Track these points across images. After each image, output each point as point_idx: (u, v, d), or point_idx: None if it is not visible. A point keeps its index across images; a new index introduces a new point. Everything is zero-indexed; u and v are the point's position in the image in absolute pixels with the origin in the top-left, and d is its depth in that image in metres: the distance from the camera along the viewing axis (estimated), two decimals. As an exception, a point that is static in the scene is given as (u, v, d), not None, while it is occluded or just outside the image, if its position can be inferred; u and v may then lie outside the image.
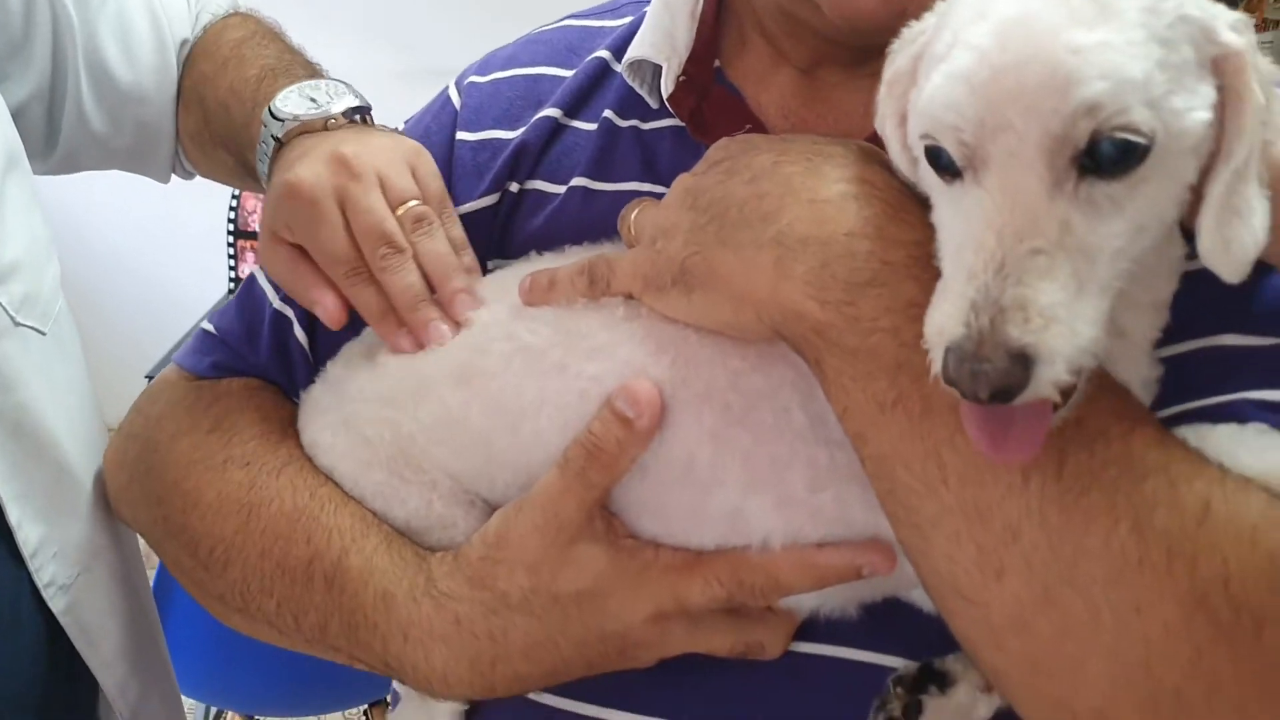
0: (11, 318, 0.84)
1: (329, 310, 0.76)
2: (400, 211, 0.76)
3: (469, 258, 0.78)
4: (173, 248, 2.83)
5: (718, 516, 0.67)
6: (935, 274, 0.54)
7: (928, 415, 0.55)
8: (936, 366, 0.50)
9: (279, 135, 0.83)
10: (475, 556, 0.70)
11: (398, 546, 0.73)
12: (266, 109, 0.85)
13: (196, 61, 1.00)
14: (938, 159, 0.54)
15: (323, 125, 0.83)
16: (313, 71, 0.94)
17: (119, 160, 1.05)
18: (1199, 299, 0.60)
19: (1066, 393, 0.51)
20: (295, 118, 0.83)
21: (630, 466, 0.67)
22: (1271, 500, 0.54)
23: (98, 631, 0.92)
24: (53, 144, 1.00)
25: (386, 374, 0.75)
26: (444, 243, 0.76)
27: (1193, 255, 0.56)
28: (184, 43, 1.02)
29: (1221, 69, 0.52)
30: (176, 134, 1.03)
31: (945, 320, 0.50)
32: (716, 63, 0.80)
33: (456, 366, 0.72)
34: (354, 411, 0.76)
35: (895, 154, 0.59)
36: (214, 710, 1.84)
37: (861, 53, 0.73)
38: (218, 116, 0.95)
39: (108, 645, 0.93)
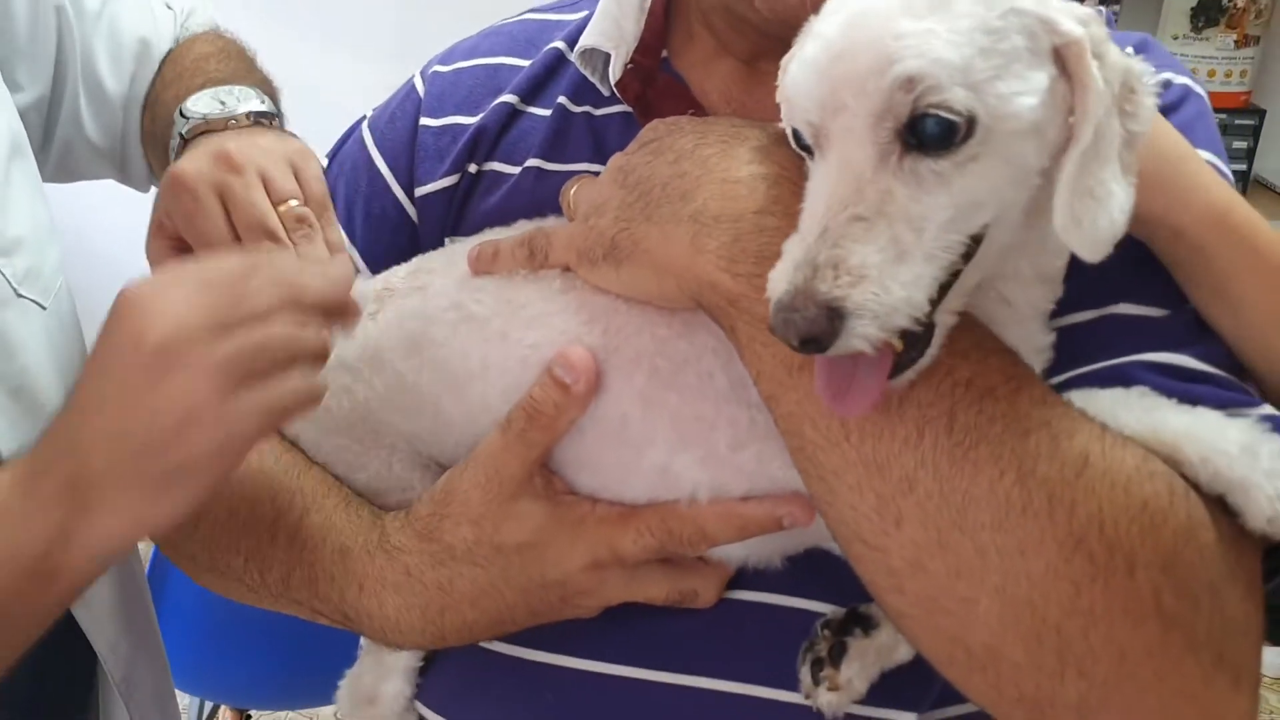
0: (14, 289, 0.87)
1: None
2: (281, 210, 0.79)
3: (343, 263, 0.80)
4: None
5: (649, 472, 0.71)
6: None
7: None
8: (771, 320, 0.54)
9: (184, 133, 0.88)
10: (424, 513, 0.75)
11: (355, 506, 0.78)
12: (178, 109, 0.90)
13: (162, 71, 1.05)
14: (799, 139, 0.59)
15: (224, 125, 0.88)
16: (266, 88, 0.98)
17: (108, 171, 1.09)
18: (1098, 271, 0.64)
19: (911, 353, 0.56)
20: (202, 116, 0.88)
21: (568, 428, 0.71)
22: (1146, 455, 0.58)
23: (91, 592, 0.91)
24: (46, 151, 1.04)
25: (343, 344, 0.80)
26: (322, 247, 0.80)
27: None
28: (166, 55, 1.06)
29: (1064, 57, 0.56)
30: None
31: (775, 278, 0.55)
32: (664, 53, 0.84)
33: (407, 335, 0.77)
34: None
35: (790, 136, 0.63)
36: (208, 705, 1.87)
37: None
38: (162, 120, 0.99)
39: (99, 603, 0.97)
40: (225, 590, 0.84)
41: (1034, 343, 0.65)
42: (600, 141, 0.83)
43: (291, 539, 0.77)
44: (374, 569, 0.75)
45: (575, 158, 0.83)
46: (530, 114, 0.86)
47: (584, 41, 0.83)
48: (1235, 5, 2.54)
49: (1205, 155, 0.69)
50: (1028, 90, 0.54)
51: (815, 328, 0.52)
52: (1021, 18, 0.55)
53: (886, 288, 0.52)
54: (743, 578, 0.74)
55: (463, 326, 0.75)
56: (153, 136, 1.01)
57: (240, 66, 1.02)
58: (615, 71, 0.82)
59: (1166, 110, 0.71)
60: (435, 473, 0.78)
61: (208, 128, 0.87)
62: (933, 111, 0.53)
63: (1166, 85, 0.74)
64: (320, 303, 0.66)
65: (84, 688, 1.01)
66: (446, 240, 0.85)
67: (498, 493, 0.72)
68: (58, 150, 1.04)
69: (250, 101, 0.89)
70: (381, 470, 0.79)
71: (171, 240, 0.82)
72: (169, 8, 1.09)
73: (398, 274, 0.81)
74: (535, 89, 0.87)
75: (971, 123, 0.53)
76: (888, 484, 0.58)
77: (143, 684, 1.03)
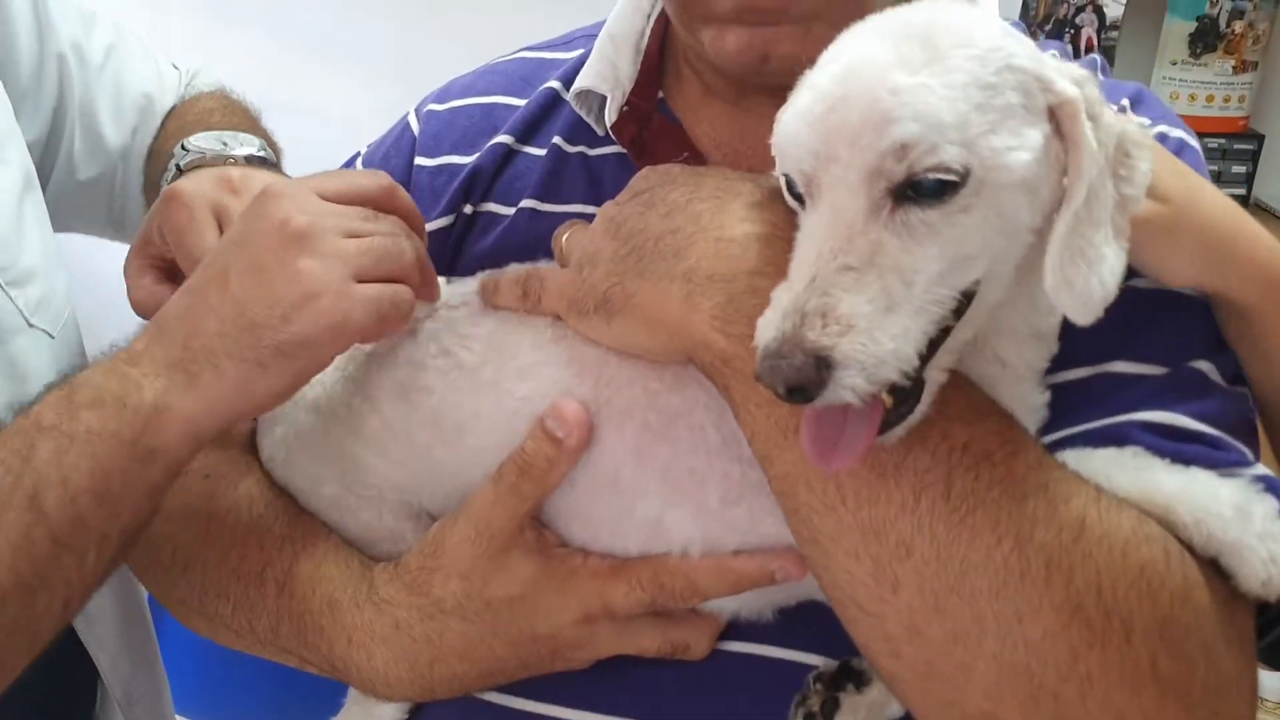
0: (26, 319, 0.88)
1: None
2: None
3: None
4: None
5: (640, 525, 0.70)
6: None
7: None
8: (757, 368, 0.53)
9: (181, 164, 0.88)
10: (414, 565, 0.74)
11: (344, 556, 0.77)
12: (179, 144, 0.90)
13: (166, 124, 1.05)
14: (791, 188, 0.59)
15: (223, 163, 0.88)
16: (253, 134, 0.99)
17: (98, 220, 1.09)
18: (1094, 328, 0.64)
19: (901, 408, 0.55)
20: (201, 152, 0.89)
21: (560, 481, 0.71)
22: (1141, 517, 0.58)
23: (94, 609, 0.95)
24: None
25: (333, 390, 0.79)
26: None
27: None
28: (169, 110, 1.08)
29: (1058, 117, 0.56)
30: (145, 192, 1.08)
31: (763, 326, 0.54)
32: (660, 94, 0.84)
33: (398, 383, 0.76)
34: (304, 426, 0.80)
35: (784, 191, 0.63)
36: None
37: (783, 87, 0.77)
38: (162, 167, 0.99)
39: (102, 620, 0.96)
40: (214, 635, 0.83)
41: (1028, 402, 0.64)
42: (595, 182, 0.83)
43: (280, 588, 0.77)
44: (363, 621, 0.74)
45: (570, 198, 0.83)
46: (525, 154, 0.85)
47: (579, 83, 0.83)
48: (1233, 31, 2.54)
49: None
50: (1022, 146, 0.54)
51: (802, 376, 0.51)
52: (1016, 75, 0.55)
53: (875, 339, 0.52)
54: (734, 629, 0.74)
55: (453, 375, 0.74)
56: (155, 186, 1.01)
57: (244, 122, 1.03)
58: (611, 114, 0.81)
59: None
60: (427, 523, 0.78)
61: (205, 162, 0.88)
62: (929, 176, 0.53)
63: (1162, 139, 0.74)
64: (420, 257, 0.74)
65: (86, 705, 1.01)
66: (440, 281, 0.84)
67: (488, 546, 0.71)
68: (50, 195, 1.04)
69: (251, 146, 0.90)
70: (372, 520, 0.79)
71: (153, 260, 0.82)
72: (175, 67, 1.11)
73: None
74: (530, 129, 0.86)
75: (964, 175, 0.53)
76: (884, 549, 0.57)
77: (143, 703, 1.03)
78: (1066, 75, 0.56)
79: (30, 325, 0.88)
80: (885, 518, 0.57)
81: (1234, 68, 2.56)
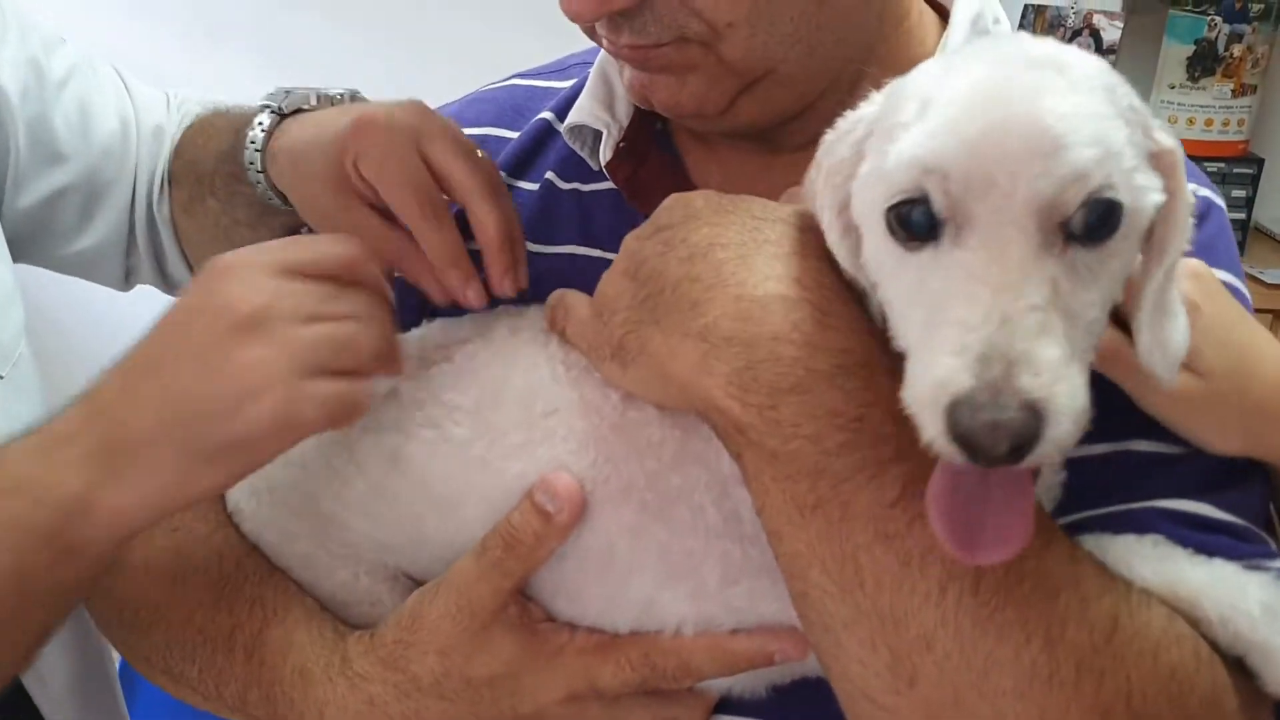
0: None
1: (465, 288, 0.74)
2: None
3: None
4: (145, 303, 2.86)
5: (633, 604, 0.67)
6: (860, 383, 0.54)
7: (847, 520, 0.54)
8: (935, 427, 0.47)
9: (281, 106, 0.81)
10: (390, 639, 0.70)
11: (317, 622, 0.73)
12: (266, 95, 0.84)
13: (191, 140, 1.01)
14: (906, 222, 0.51)
15: (329, 102, 0.83)
16: None
17: (66, 253, 1.04)
18: (1112, 403, 0.60)
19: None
20: (298, 91, 0.83)
21: (547, 557, 0.67)
22: (1171, 616, 0.55)
23: (46, 668, 0.91)
24: None
25: (309, 447, 0.74)
26: (517, 215, 0.76)
27: None
28: (158, 129, 1.03)
29: (1158, 165, 0.51)
30: (153, 226, 1.03)
31: (947, 374, 0.47)
32: (659, 125, 0.80)
33: (387, 451, 0.72)
34: (278, 481, 0.76)
35: (834, 243, 0.58)
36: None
37: (761, 133, 0.75)
38: (204, 163, 0.95)
39: (57, 681, 0.92)
40: (180, 695, 0.79)
41: (1045, 480, 0.61)
42: (588, 221, 0.79)
43: (249, 654, 0.73)
44: (335, 695, 0.70)
45: (562, 239, 0.79)
46: (519, 188, 0.82)
47: (572, 118, 0.79)
48: (1232, 55, 2.53)
49: (1223, 276, 0.66)
50: (1154, 188, 0.50)
51: (1028, 430, 0.45)
52: (1138, 115, 0.51)
53: (1077, 390, 0.46)
54: (726, 703, 0.70)
55: (442, 448, 0.70)
56: (193, 196, 0.98)
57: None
58: (605, 153, 0.78)
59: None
60: (404, 585, 0.74)
61: (308, 105, 0.82)
62: (1104, 197, 0.48)
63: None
64: (386, 340, 0.67)
65: None
66: (423, 321, 0.79)
67: (469, 623, 0.67)
68: (6, 222, 0.99)
69: (345, 92, 0.85)
70: (348, 580, 0.74)
71: (357, 196, 0.75)
72: (164, 93, 1.07)
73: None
74: (523, 163, 0.83)
75: (1123, 213, 0.49)
76: (904, 640, 0.53)
77: None
78: (1156, 123, 0.52)
79: None
80: (908, 608, 0.53)
81: (1233, 91, 2.54)
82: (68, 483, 0.61)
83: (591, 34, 0.71)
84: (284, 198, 0.84)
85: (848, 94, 0.70)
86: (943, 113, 0.50)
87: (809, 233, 0.60)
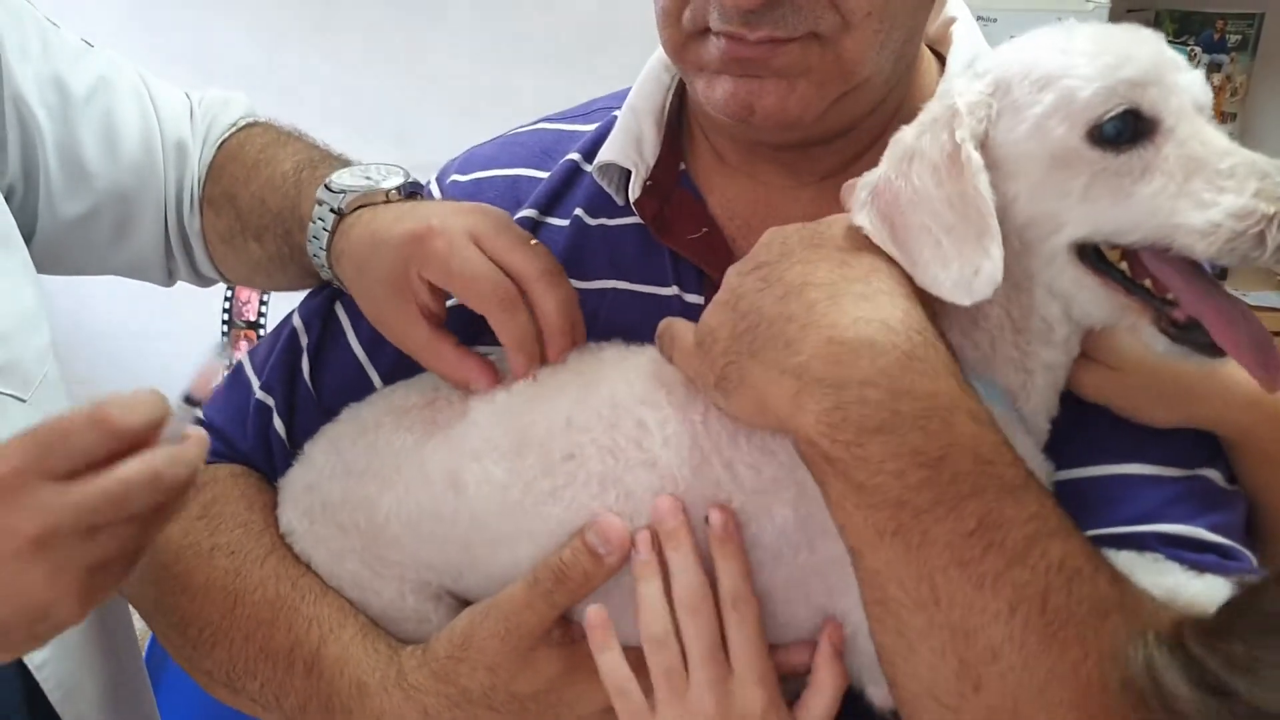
0: None
1: (482, 375, 0.78)
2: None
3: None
4: (167, 337, 2.88)
5: None
6: (941, 425, 0.59)
7: (925, 546, 0.59)
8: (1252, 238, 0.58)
9: (339, 206, 0.86)
10: (442, 654, 0.75)
11: (372, 638, 0.78)
12: (322, 185, 0.87)
13: (225, 168, 1.02)
14: (1112, 134, 0.62)
15: (384, 198, 0.86)
16: (344, 161, 0.97)
17: (109, 263, 1.06)
18: (1111, 430, 0.69)
19: None
20: (354, 189, 0.86)
21: (591, 592, 0.72)
22: None
23: (76, 689, 0.93)
24: (28, 237, 1.01)
25: (360, 462, 0.80)
26: (574, 293, 0.79)
27: None
28: (179, 144, 1.04)
29: None
30: (184, 236, 1.05)
31: (1244, 204, 0.59)
32: (682, 165, 0.86)
33: (448, 473, 0.76)
34: (331, 494, 0.80)
35: (976, 172, 0.64)
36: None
37: (795, 156, 0.80)
38: (252, 211, 0.98)
39: (86, 703, 0.94)
40: (239, 706, 0.83)
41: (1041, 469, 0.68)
42: (616, 254, 0.84)
43: (309, 669, 0.77)
44: (391, 706, 0.75)
45: (594, 274, 0.84)
46: (549, 225, 0.87)
47: (603, 156, 0.84)
48: (1211, 83, 2.59)
49: None
50: None
51: None
52: None
53: None
54: None
55: (486, 486, 0.74)
56: (233, 229, 1.00)
57: (310, 146, 1.01)
58: (635, 190, 0.82)
59: None
60: (447, 605, 0.79)
61: (365, 200, 0.86)
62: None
63: None
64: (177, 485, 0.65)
65: None
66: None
67: (516, 644, 0.72)
68: (40, 240, 1.01)
69: (397, 177, 0.88)
70: (396, 599, 0.79)
71: (421, 309, 0.79)
72: (186, 96, 1.08)
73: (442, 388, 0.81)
74: (553, 201, 0.88)
75: None
76: (972, 651, 0.59)
77: None
78: None
79: None
80: (978, 624, 0.58)
81: (1213, 119, 2.61)
82: None
83: (681, 50, 0.75)
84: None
85: (875, 123, 0.75)
86: (1099, 54, 0.63)
87: (894, 280, 0.65)
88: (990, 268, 0.63)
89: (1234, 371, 0.66)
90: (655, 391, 0.73)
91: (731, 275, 0.69)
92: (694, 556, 0.69)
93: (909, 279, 0.65)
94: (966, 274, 0.63)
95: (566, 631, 0.74)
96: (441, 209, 0.81)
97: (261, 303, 2.47)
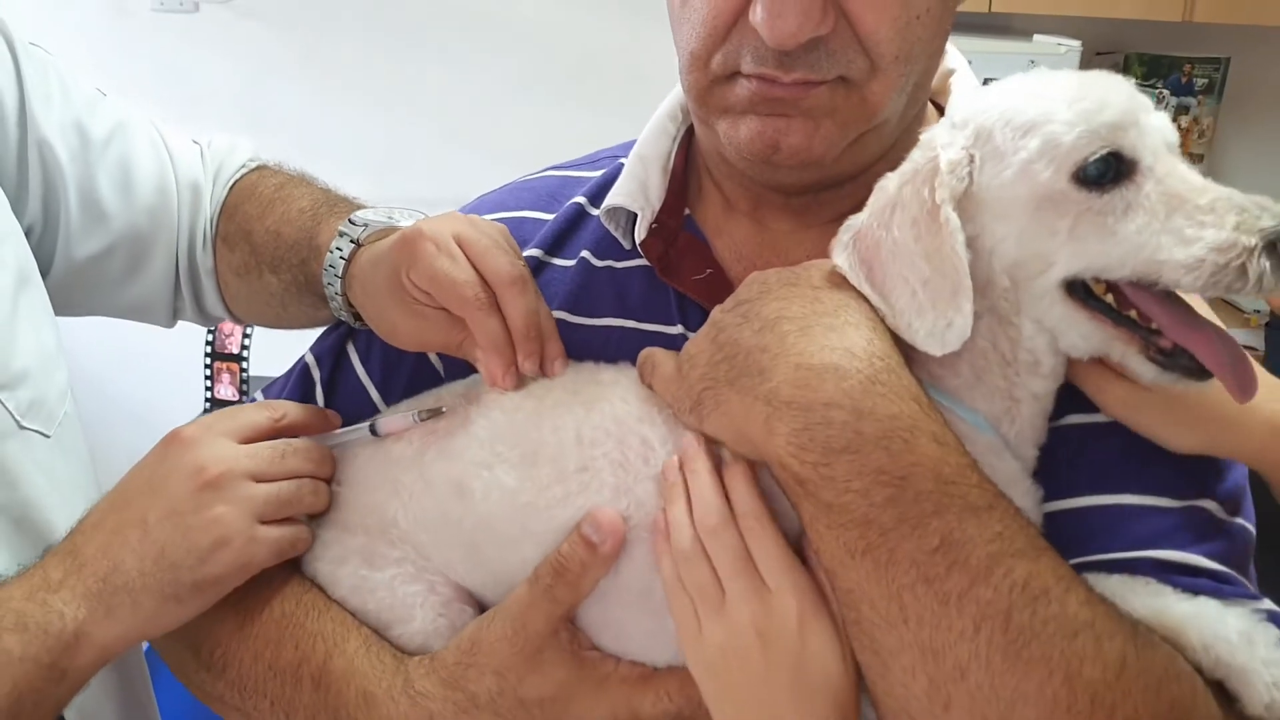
0: (16, 421, 0.89)
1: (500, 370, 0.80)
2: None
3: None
4: (149, 367, 2.88)
5: (670, 639, 0.73)
6: (904, 446, 0.62)
7: (892, 565, 0.62)
8: (1235, 270, 0.62)
9: (359, 238, 0.89)
10: (450, 660, 0.77)
11: (377, 649, 0.80)
12: (346, 219, 0.91)
13: (239, 206, 1.06)
14: (1096, 175, 0.65)
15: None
16: (356, 204, 1.01)
17: (117, 302, 1.09)
18: (1104, 460, 0.71)
19: None
20: (375, 223, 0.90)
21: (593, 586, 0.74)
22: (1172, 655, 0.63)
23: (96, 716, 0.95)
24: (42, 276, 1.04)
25: (370, 464, 0.83)
26: (546, 308, 0.83)
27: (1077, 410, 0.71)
28: (194, 184, 1.08)
29: None
30: (195, 274, 1.08)
31: (1225, 238, 0.62)
32: (687, 210, 0.89)
33: (453, 480, 0.79)
34: (334, 501, 0.84)
35: (954, 231, 0.67)
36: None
37: (805, 201, 0.83)
38: (267, 244, 1.01)
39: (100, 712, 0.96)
40: None
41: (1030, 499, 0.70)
42: (623, 294, 0.87)
43: (316, 684, 0.79)
44: (398, 713, 0.76)
45: (601, 312, 0.86)
46: (554, 265, 0.89)
47: (611, 200, 0.87)
48: (1180, 126, 2.65)
49: None
50: None
51: None
52: None
53: None
54: None
55: (495, 492, 0.77)
56: (248, 264, 1.03)
57: (324, 189, 1.04)
58: (641, 232, 0.85)
59: None
60: (439, 598, 0.81)
61: (384, 235, 0.89)
62: None
63: None
64: (317, 493, 0.83)
65: None
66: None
67: (523, 646, 0.74)
68: (54, 279, 1.04)
69: (416, 217, 0.91)
70: (387, 597, 0.81)
71: (422, 308, 0.82)
72: (195, 142, 1.11)
73: (455, 392, 0.84)
74: (558, 242, 0.90)
75: None
76: (941, 670, 0.61)
77: None
78: None
79: (21, 427, 0.89)
80: (945, 642, 0.61)
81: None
82: (65, 620, 0.75)
83: (705, 94, 0.77)
84: (357, 315, 0.91)
85: (882, 169, 0.78)
86: (1077, 100, 0.66)
87: (860, 313, 0.68)
88: (961, 323, 0.66)
89: (1257, 401, 0.69)
90: (651, 411, 0.76)
91: (716, 312, 0.72)
92: (711, 480, 0.71)
93: (875, 314, 0.68)
94: (940, 326, 0.67)
95: (574, 638, 0.75)
96: (434, 218, 0.85)
97: (245, 336, 2.47)
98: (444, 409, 0.82)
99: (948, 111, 0.82)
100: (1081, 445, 0.74)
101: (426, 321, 0.82)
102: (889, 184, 0.70)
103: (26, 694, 0.73)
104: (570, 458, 0.76)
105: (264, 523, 0.78)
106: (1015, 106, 0.67)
